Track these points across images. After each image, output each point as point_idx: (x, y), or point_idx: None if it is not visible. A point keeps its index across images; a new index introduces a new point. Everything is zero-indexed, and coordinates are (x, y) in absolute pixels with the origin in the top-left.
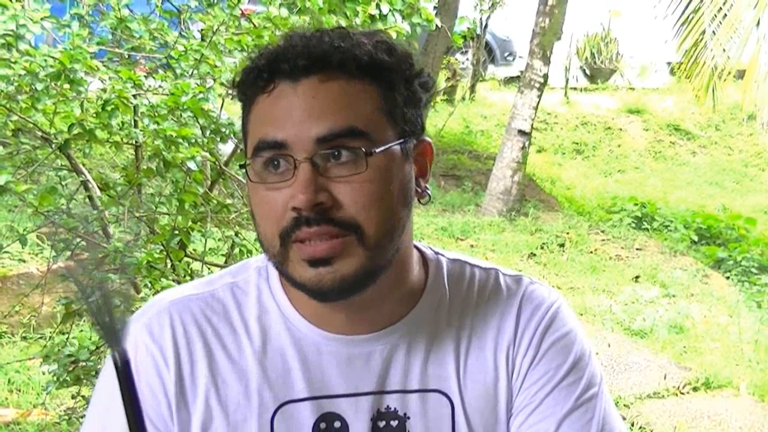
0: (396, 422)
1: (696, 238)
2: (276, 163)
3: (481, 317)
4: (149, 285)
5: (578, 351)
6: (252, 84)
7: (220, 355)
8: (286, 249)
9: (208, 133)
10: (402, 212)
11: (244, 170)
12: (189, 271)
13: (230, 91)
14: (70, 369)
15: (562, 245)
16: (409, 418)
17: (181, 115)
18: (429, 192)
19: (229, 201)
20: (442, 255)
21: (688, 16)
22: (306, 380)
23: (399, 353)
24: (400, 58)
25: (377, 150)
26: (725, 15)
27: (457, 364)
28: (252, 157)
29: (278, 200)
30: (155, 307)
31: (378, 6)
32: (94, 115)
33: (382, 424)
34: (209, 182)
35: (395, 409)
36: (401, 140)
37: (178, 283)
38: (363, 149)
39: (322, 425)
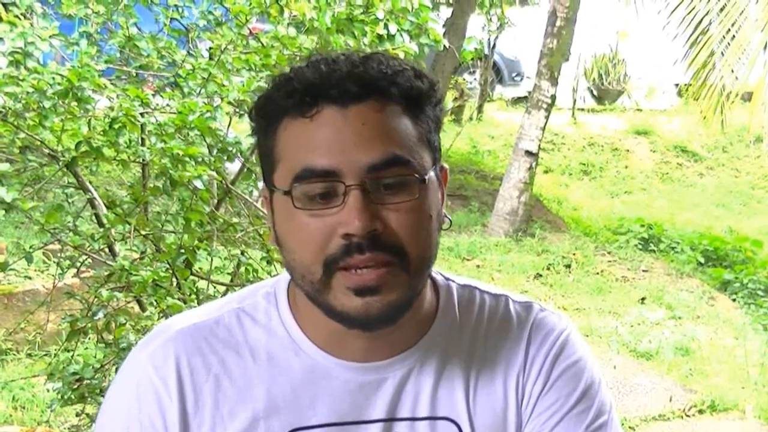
0: None
1: (702, 260)
2: (322, 192)
3: (492, 345)
4: (155, 303)
5: (588, 378)
6: (285, 105)
7: (225, 384)
8: (329, 278)
9: (215, 151)
10: (437, 238)
11: (271, 191)
12: (195, 290)
13: (238, 110)
14: (75, 387)
15: (568, 266)
16: None
17: (188, 133)
18: (449, 217)
19: (235, 220)
20: (452, 281)
21: (696, 38)
22: (315, 407)
23: (410, 380)
24: (429, 84)
25: (427, 177)
26: (734, 36)
27: (466, 391)
28: (295, 183)
29: (322, 226)
30: (161, 337)
31: (386, 26)
32: (102, 133)
33: None
34: (216, 201)
35: None
36: (434, 166)
37: (184, 302)
38: (416, 176)
39: None
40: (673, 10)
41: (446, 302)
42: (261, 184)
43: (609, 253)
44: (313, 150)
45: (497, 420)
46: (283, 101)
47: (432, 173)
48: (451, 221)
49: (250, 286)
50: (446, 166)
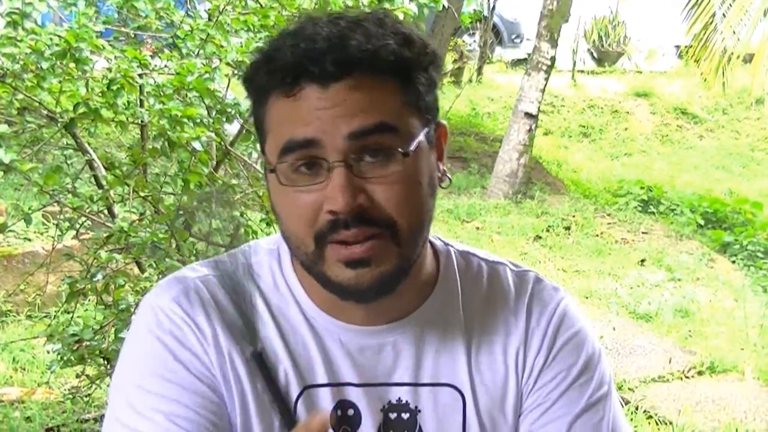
0: (407, 415)
1: (702, 222)
2: (306, 164)
3: (491, 313)
4: (154, 265)
5: (589, 350)
6: (268, 84)
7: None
8: (321, 250)
9: (213, 113)
10: (430, 203)
11: (266, 170)
12: (194, 251)
13: (237, 72)
14: (75, 348)
15: (567, 228)
16: (420, 411)
17: (186, 95)
18: (449, 176)
19: (234, 181)
20: (452, 246)
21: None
22: (324, 367)
23: (410, 346)
24: (419, 50)
25: (412, 148)
26: None
27: (468, 358)
28: (280, 157)
29: (310, 202)
30: (180, 284)
31: None
32: (100, 94)
33: (393, 415)
34: (215, 162)
35: (407, 401)
36: (426, 129)
37: (183, 263)
38: (400, 150)
39: (339, 412)
40: None
41: (446, 268)
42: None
43: (608, 215)
44: (294, 124)
45: (498, 388)
46: (267, 80)
47: (422, 137)
48: (450, 180)
49: (253, 242)
50: (444, 123)
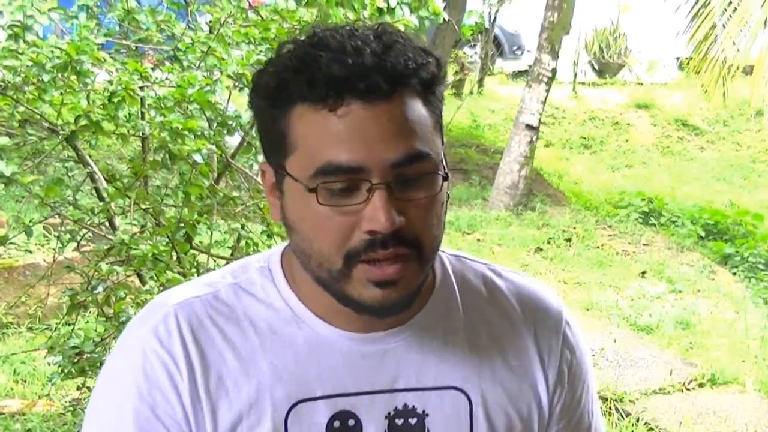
0: (415, 420)
1: (703, 234)
2: (345, 185)
3: (492, 316)
4: (155, 277)
5: (587, 351)
6: (303, 93)
7: (229, 357)
8: (348, 269)
9: (214, 125)
10: (444, 221)
11: (281, 173)
12: (195, 264)
13: (238, 84)
14: (75, 360)
15: (569, 240)
16: (428, 415)
17: (187, 107)
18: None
19: (235, 193)
20: (443, 252)
21: (698, 10)
22: (318, 379)
23: (413, 351)
24: (440, 65)
25: (447, 172)
26: (735, 9)
27: (472, 360)
28: (317, 177)
29: (345, 221)
30: (160, 311)
31: None
32: (101, 106)
33: (400, 421)
34: (216, 174)
35: (413, 406)
36: (442, 141)
37: (184, 275)
38: (440, 173)
39: (336, 423)
40: None
41: (442, 272)
42: (261, 158)
43: (609, 226)
44: (337, 145)
45: (507, 388)
46: (302, 89)
47: (443, 170)
48: (449, 196)
49: (239, 261)
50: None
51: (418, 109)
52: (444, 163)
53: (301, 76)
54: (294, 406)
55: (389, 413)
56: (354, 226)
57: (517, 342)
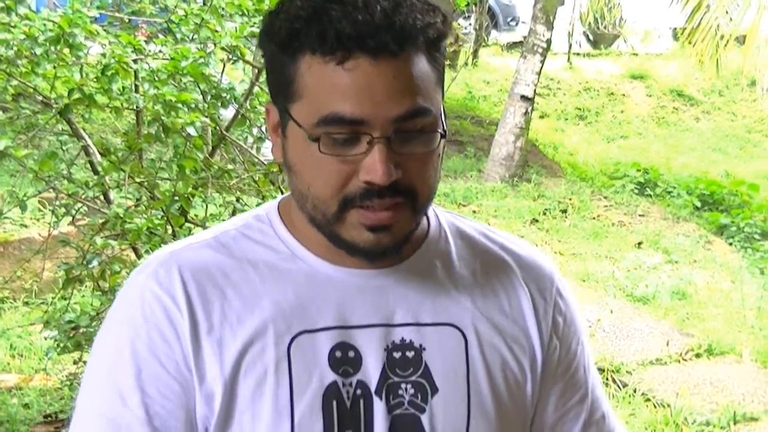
0: (412, 353)
1: (699, 204)
2: (347, 136)
3: (487, 265)
4: (150, 251)
5: (577, 305)
6: (313, 45)
7: (231, 293)
8: (342, 213)
9: (208, 98)
10: (440, 174)
11: (285, 116)
12: None
13: (232, 56)
14: (71, 335)
15: (564, 211)
16: (425, 349)
17: (181, 80)
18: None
19: (230, 166)
20: (436, 207)
21: None
22: (319, 312)
23: (410, 288)
24: (449, 24)
25: (445, 129)
26: None
27: (466, 301)
28: (319, 126)
29: (344, 169)
30: (158, 258)
31: None
32: (95, 80)
33: (397, 354)
34: (210, 147)
35: (410, 340)
36: (442, 98)
37: None
38: (440, 131)
39: (338, 354)
40: None
41: (437, 222)
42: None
43: (605, 197)
44: (342, 97)
45: (499, 332)
46: (312, 41)
47: (442, 129)
48: (445, 147)
49: (236, 216)
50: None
51: (422, 65)
52: (443, 119)
53: (312, 27)
54: (296, 337)
55: (387, 346)
56: (352, 175)
57: (510, 290)
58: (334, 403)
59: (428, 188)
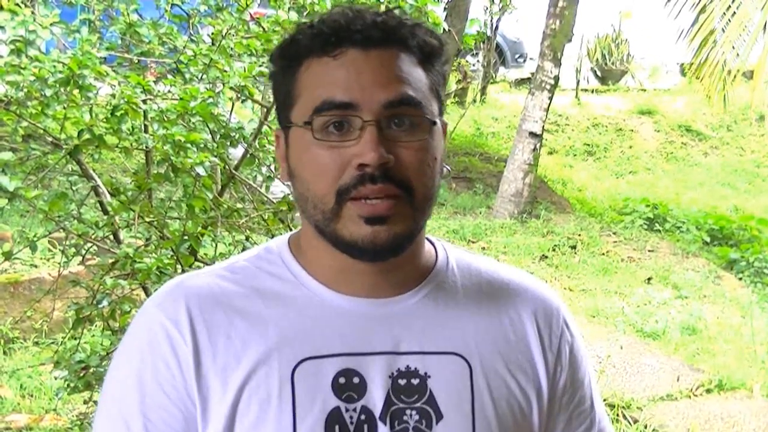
0: (417, 380)
1: (708, 239)
2: (338, 123)
3: (493, 296)
4: None
5: (581, 336)
6: (309, 46)
7: (236, 320)
8: (339, 206)
9: (217, 137)
10: (438, 182)
11: (287, 127)
12: None
13: (240, 96)
14: (81, 375)
15: (573, 247)
16: (430, 376)
17: (190, 120)
18: (449, 168)
19: (239, 205)
20: (443, 242)
21: (697, 15)
22: (324, 339)
23: (416, 317)
24: (441, 42)
25: (436, 120)
26: (734, 13)
27: (472, 331)
28: (314, 115)
29: (338, 158)
30: (166, 288)
31: (387, 10)
32: (104, 120)
33: (402, 382)
34: (219, 187)
35: (416, 368)
36: (440, 115)
37: None
38: (428, 117)
39: (342, 380)
40: None
41: (444, 253)
42: (264, 170)
43: (614, 233)
44: (333, 84)
45: (504, 362)
46: (309, 42)
47: (439, 121)
48: (450, 170)
49: (248, 250)
50: (447, 121)
51: (413, 66)
52: (439, 123)
53: (309, 31)
54: (300, 363)
55: (392, 373)
56: (346, 165)
57: (515, 320)
58: (336, 428)
59: (423, 185)
